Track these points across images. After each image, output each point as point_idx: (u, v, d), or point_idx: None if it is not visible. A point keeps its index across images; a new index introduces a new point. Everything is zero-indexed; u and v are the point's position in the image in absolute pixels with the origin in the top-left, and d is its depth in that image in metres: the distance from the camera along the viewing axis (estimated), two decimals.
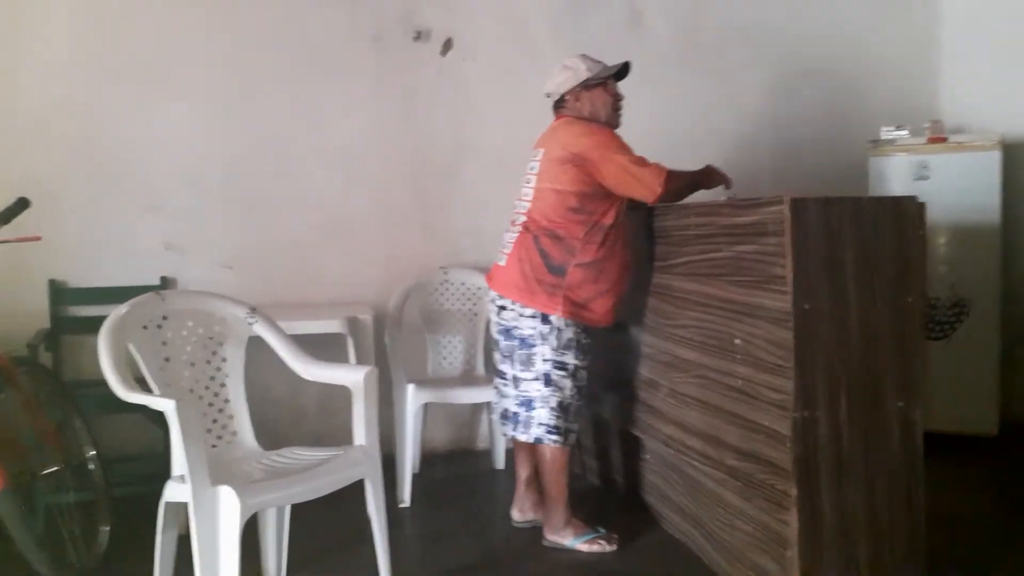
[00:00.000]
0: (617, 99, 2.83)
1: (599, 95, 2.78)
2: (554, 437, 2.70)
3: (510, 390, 2.78)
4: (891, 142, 3.82)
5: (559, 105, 2.84)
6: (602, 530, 2.75)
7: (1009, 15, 4.12)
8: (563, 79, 2.78)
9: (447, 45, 3.76)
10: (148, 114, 3.39)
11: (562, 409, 2.70)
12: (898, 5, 4.46)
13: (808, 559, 2.11)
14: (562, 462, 2.73)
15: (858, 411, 2.17)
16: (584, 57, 2.79)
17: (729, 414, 2.38)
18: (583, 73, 2.76)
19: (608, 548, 2.70)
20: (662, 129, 3.66)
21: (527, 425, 2.73)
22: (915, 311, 2.22)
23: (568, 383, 2.70)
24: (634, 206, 2.76)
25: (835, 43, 4.35)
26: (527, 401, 2.73)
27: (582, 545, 2.71)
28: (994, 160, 3.64)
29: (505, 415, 2.82)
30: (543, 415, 2.70)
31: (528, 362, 2.71)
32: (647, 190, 2.57)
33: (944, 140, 3.72)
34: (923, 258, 2.27)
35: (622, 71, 2.83)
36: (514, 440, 2.89)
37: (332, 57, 3.62)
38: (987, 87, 4.25)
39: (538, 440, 2.72)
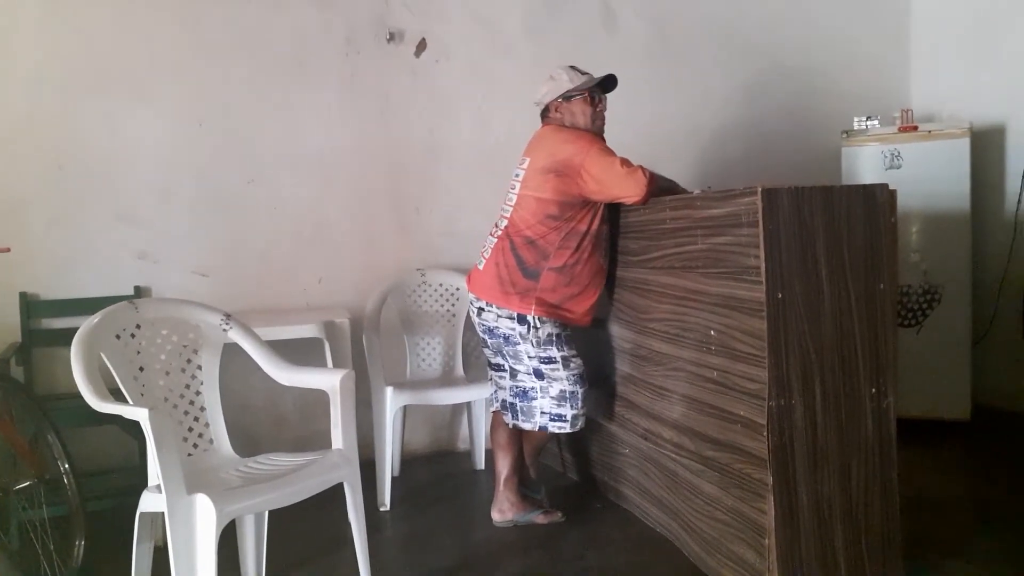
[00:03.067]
0: (598, 110, 2.87)
1: (579, 106, 2.84)
2: (559, 424, 2.79)
3: (507, 381, 2.87)
4: (863, 132, 3.86)
5: (545, 114, 2.91)
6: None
7: (975, 6, 4.18)
8: (547, 90, 2.86)
9: (421, 46, 3.75)
10: (118, 123, 3.35)
11: (563, 397, 2.77)
12: None
13: (785, 547, 2.13)
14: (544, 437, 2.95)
15: (832, 398, 2.19)
16: (570, 69, 2.86)
17: (705, 405, 2.40)
18: (564, 85, 2.83)
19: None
20: (637, 126, 3.67)
21: (528, 414, 2.82)
22: (887, 298, 2.25)
23: (562, 373, 2.76)
24: (612, 205, 2.80)
25: (807, 36, 4.40)
26: (522, 392, 2.82)
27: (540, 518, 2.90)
28: (964, 148, 3.69)
29: (504, 406, 2.90)
30: (544, 404, 2.79)
31: (517, 357, 2.80)
32: (634, 189, 2.62)
33: (915, 129, 3.77)
34: (894, 245, 2.29)
35: (607, 83, 2.88)
36: (492, 441, 2.94)
37: (304, 60, 3.60)
38: (956, 76, 4.31)
39: (543, 428, 2.82)
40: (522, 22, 3.90)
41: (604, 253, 2.85)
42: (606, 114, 2.90)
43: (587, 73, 2.87)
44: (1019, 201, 3.91)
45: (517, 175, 2.85)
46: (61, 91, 3.28)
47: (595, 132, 2.84)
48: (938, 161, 3.71)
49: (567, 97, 2.83)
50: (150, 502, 2.04)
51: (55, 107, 3.28)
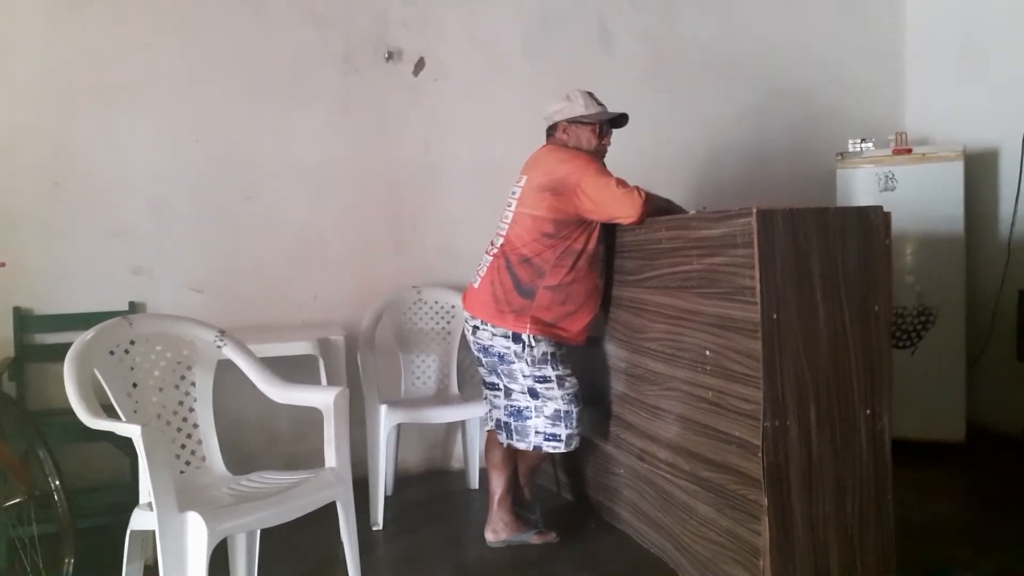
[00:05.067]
0: (603, 143, 2.90)
1: (585, 134, 2.85)
2: (553, 444, 2.78)
3: (501, 400, 2.86)
4: (858, 154, 3.88)
5: (550, 133, 2.91)
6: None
7: (969, 30, 4.23)
8: (560, 108, 2.86)
9: (419, 65, 3.78)
10: (115, 138, 3.36)
11: (558, 417, 2.76)
12: (863, 23, 4.56)
13: (780, 568, 2.12)
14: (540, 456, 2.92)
15: (827, 419, 2.19)
16: (587, 95, 2.87)
17: (700, 425, 2.40)
18: (578, 109, 2.83)
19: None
20: (633, 147, 3.68)
21: (523, 434, 2.80)
22: (881, 319, 2.25)
23: (557, 392, 2.75)
24: (608, 224, 2.80)
25: (802, 59, 4.44)
26: (517, 411, 2.80)
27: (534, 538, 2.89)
28: (958, 170, 3.71)
29: (498, 425, 2.89)
30: (539, 424, 2.78)
31: (512, 376, 2.79)
32: (630, 209, 2.62)
33: (909, 151, 3.79)
34: (889, 267, 2.30)
35: (619, 119, 2.90)
36: (486, 460, 2.93)
37: (302, 78, 3.61)
38: (950, 99, 4.34)
39: (537, 448, 2.80)
40: (520, 43, 3.93)
41: (600, 272, 2.85)
42: (609, 149, 2.93)
43: (603, 105, 2.88)
44: (1012, 223, 3.93)
45: (514, 193, 2.85)
46: (58, 106, 3.29)
47: (584, 147, 2.85)
48: (932, 183, 3.73)
49: (577, 121, 2.84)
50: (141, 520, 2.02)
51: (52, 122, 3.29)
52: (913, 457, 3.35)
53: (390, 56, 3.73)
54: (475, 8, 3.87)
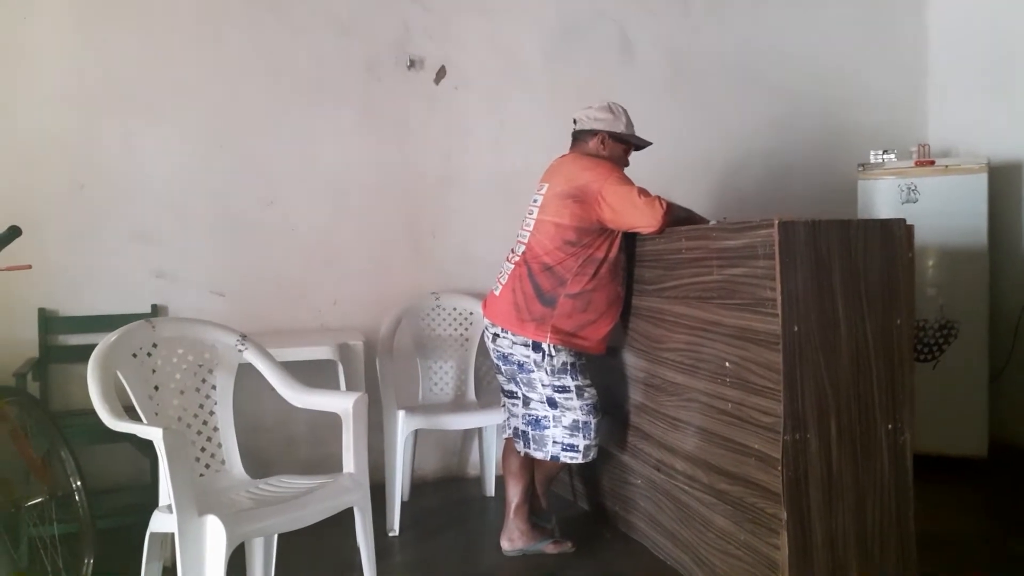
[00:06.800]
0: (626, 164, 2.94)
1: (619, 151, 2.89)
2: (571, 455, 2.78)
3: (519, 409, 2.86)
4: (879, 165, 3.85)
5: (580, 138, 2.91)
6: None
7: (993, 41, 4.19)
8: (602, 118, 2.87)
9: (440, 73, 3.80)
10: (138, 143, 3.40)
11: (576, 427, 2.75)
12: (886, 34, 4.54)
13: None
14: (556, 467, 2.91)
15: (848, 433, 2.17)
16: (626, 113, 2.90)
17: (719, 437, 2.38)
18: (621, 126, 2.86)
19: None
20: (652, 156, 3.69)
21: (540, 444, 2.80)
22: (904, 333, 2.24)
23: (576, 403, 2.75)
24: (629, 233, 2.80)
25: (824, 70, 4.42)
26: (535, 420, 2.80)
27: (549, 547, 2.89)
28: (981, 183, 3.67)
29: (516, 434, 2.88)
30: (557, 433, 2.77)
31: (530, 385, 2.79)
32: (650, 219, 2.62)
33: (932, 163, 3.76)
34: (911, 280, 2.29)
35: (642, 144, 2.96)
36: (503, 468, 2.93)
37: (325, 85, 3.64)
38: (973, 111, 4.31)
39: (554, 458, 2.80)
40: (540, 52, 3.94)
41: (622, 281, 2.85)
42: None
43: (632, 124, 2.92)
44: None
45: (535, 200, 2.86)
46: (83, 111, 3.33)
47: (615, 162, 2.85)
48: (955, 196, 3.69)
49: (617, 138, 2.86)
50: (160, 522, 2.04)
51: (77, 126, 3.33)
52: (934, 472, 3.31)
53: (412, 64, 3.76)
54: (496, 17, 3.88)
